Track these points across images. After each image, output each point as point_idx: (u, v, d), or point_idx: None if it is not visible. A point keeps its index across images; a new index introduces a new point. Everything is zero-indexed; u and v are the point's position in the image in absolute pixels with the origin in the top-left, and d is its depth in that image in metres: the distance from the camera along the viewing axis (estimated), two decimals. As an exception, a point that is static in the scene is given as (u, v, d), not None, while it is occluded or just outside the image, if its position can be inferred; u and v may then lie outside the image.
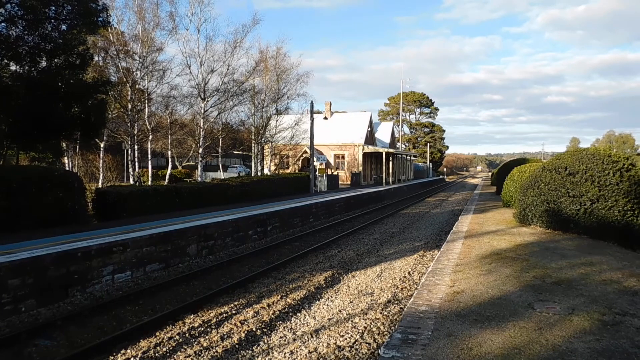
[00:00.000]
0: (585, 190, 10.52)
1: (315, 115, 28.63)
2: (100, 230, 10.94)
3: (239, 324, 6.90)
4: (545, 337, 4.50)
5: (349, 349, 5.87)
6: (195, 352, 5.91)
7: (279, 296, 8.32)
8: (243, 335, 6.46)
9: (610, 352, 4.13)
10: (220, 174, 37.59)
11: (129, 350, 5.92)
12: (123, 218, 13.56)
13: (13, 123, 14.00)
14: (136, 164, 24.49)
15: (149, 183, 25.39)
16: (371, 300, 8.06)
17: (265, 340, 6.31)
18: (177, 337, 6.39)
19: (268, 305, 7.82)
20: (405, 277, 9.62)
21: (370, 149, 41.90)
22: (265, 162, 34.93)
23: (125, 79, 23.19)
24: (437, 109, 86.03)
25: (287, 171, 38.29)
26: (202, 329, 6.73)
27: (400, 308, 7.37)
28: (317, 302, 8.06)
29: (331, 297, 8.36)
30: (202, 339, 6.33)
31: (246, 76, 28.73)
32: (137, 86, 24.15)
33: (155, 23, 24.57)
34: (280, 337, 6.40)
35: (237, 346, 6.11)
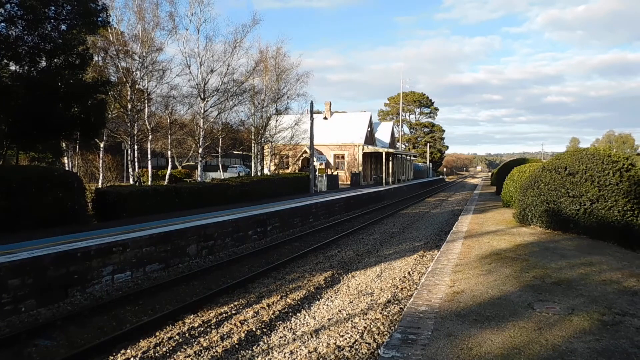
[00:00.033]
0: (585, 190, 10.53)
1: (315, 115, 28.63)
2: (100, 230, 10.94)
3: (238, 324, 6.90)
4: (545, 337, 4.50)
5: (349, 349, 5.87)
6: (195, 352, 5.91)
7: (279, 296, 8.32)
8: (243, 335, 6.46)
9: (610, 352, 4.14)
10: (220, 174, 37.58)
11: (128, 351, 5.92)
12: (123, 218, 13.56)
13: (13, 123, 13.99)
14: (136, 164, 24.49)
15: (149, 183, 25.39)
16: (371, 300, 8.06)
17: (265, 340, 6.31)
18: (177, 337, 6.39)
19: (268, 305, 7.82)
20: (405, 277, 9.62)
21: (370, 149, 41.91)
22: (265, 162, 34.93)
23: (125, 79, 23.18)
24: (437, 109, 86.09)
25: (287, 171, 38.28)
26: (202, 329, 6.73)
27: (400, 308, 7.37)
28: (317, 302, 8.06)
29: (331, 297, 8.36)
30: (202, 339, 6.33)
31: (246, 76, 28.76)
32: (136, 86, 24.15)
33: (155, 23, 24.61)
34: (280, 337, 6.40)
35: (237, 346, 6.12)
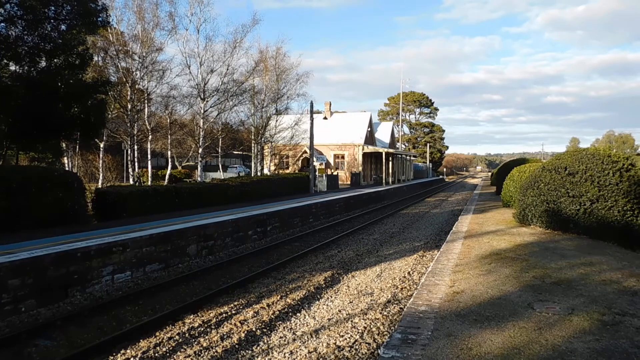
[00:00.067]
0: (585, 190, 10.53)
1: (315, 115, 28.63)
2: (100, 230, 10.94)
3: (238, 324, 6.90)
4: (544, 337, 4.50)
5: (349, 349, 5.87)
6: (195, 352, 5.91)
7: (279, 296, 8.32)
8: (243, 335, 6.46)
9: (609, 352, 4.14)
10: (220, 174, 37.59)
11: (128, 351, 5.92)
12: (123, 218, 13.56)
13: (13, 123, 13.99)
14: (136, 164, 24.49)
15: (149, 183, 25.40)
16: (371, 300, 8.06)
17: (265, 340, 6.31)
18: (177, 337, 6.39)
19: (268, 305, 7.82)
20: (405, 277, 9.63)
21: (370, 149, 41.91)
22: (265, 162, 34.94)
23: (125, 79, 23.18)
24: (436, 109, 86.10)
25: (287, 171, 38.28)
26: (202, 329, 6.73)
27: (400, 308, 7.37)
28: (317, 302, 8.07)
29: (331, 297, 8.36)
30: (202, 339, 6.33)
31: (246, 76, 28.76)
32: (136, 86, 24.15)
33: (154, 23, 24.62)
34: (280, 337, 6.41)
35: (237, 346, 6.12)
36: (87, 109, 15.27)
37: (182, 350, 5.98)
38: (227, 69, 26.85)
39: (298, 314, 7.40)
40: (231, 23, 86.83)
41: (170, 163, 29.51)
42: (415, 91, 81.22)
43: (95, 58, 22.09)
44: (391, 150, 42.85)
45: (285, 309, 7.61)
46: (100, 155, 25.51)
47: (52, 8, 14.59)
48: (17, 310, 7.07)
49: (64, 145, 24.14)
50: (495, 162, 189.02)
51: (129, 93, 23.18)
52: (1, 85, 13.51)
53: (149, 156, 26.32)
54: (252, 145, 32.40)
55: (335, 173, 38.54)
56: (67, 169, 25.81)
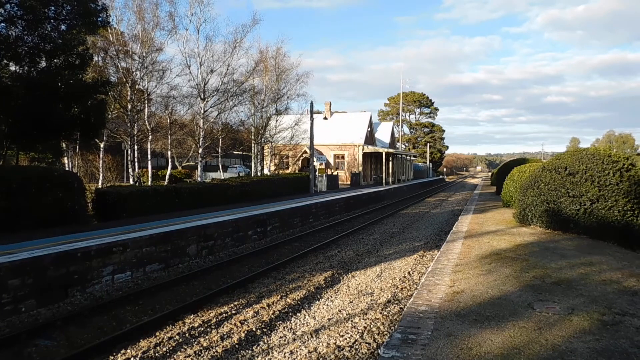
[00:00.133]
0: (585, 190, 10.53)
1: (315, 116, 28.63)
2: (100, 230, 10.94)
3: (238, 324, 6.90)
4: (544, 337, 4.50)
5: (349, 348, 5.87)
6: (195, 352, 5.91)
7: (279, 296, 8.32)
8: (243, 335, 6.46)
9: (609, 352, 4.14)
10: (220, 174, 37.58)
11: (129, 350, 5.92)
12: (123, 218, 13.57)
13: (13, 123, 13.99)
14: (136, 164, 24.49)
15: (149, 183, 25.39)
16: (371, 300, 8.06)
17: (265, 340, 6.31)
18: (177, 337, 6.39)
19: (268, 305, 7.82)
20: (405, 277, 9.63)
21: (370, 149, 41.91)
22: (265, 162, 34.94)
23: (125, 79, 23.18)
24: (437, 109, 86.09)
25: (287, 171, 38.28)
26: (202, 329, 6.73)
27: (400, 308, 7.37)
28: (317, 302, 8.07)
29: (331, 297, 8.36)
30: (202, 339, 6.33)
31: (246, 76, 28.76)
32: (136, 86, 24.15)
33: (154, 23, 24.61)
34: (280, 337, 6.41)
35: (237, 346, 6.12)
36: (87, 109, 15.27)
37: (182, 350, 5.98)
38: (227, 69, 26.87)
39: (298, 314, 7.40)
40: (231, 23, 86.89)
41: (170, 163, 29.51)
42: (415, 91, 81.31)
43: (95, 58, 22.10)
44: (391, 150, 42.84)
45: (286, 309, 7.61)
46: (101, 156, 25.51)
47: (52, 8, 14.60)
48: (17, 311, 7.07)
49: (64, 145, 24.15)
50: (495, 162, 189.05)
51: (129, 93, 23.18)
52: (1, 86, 13.51)
53: (149, 156, 26.31)
54: (252, 145, 32.40)
55: (335, 173, 38.53)
56: (67, 169, 25.81)
